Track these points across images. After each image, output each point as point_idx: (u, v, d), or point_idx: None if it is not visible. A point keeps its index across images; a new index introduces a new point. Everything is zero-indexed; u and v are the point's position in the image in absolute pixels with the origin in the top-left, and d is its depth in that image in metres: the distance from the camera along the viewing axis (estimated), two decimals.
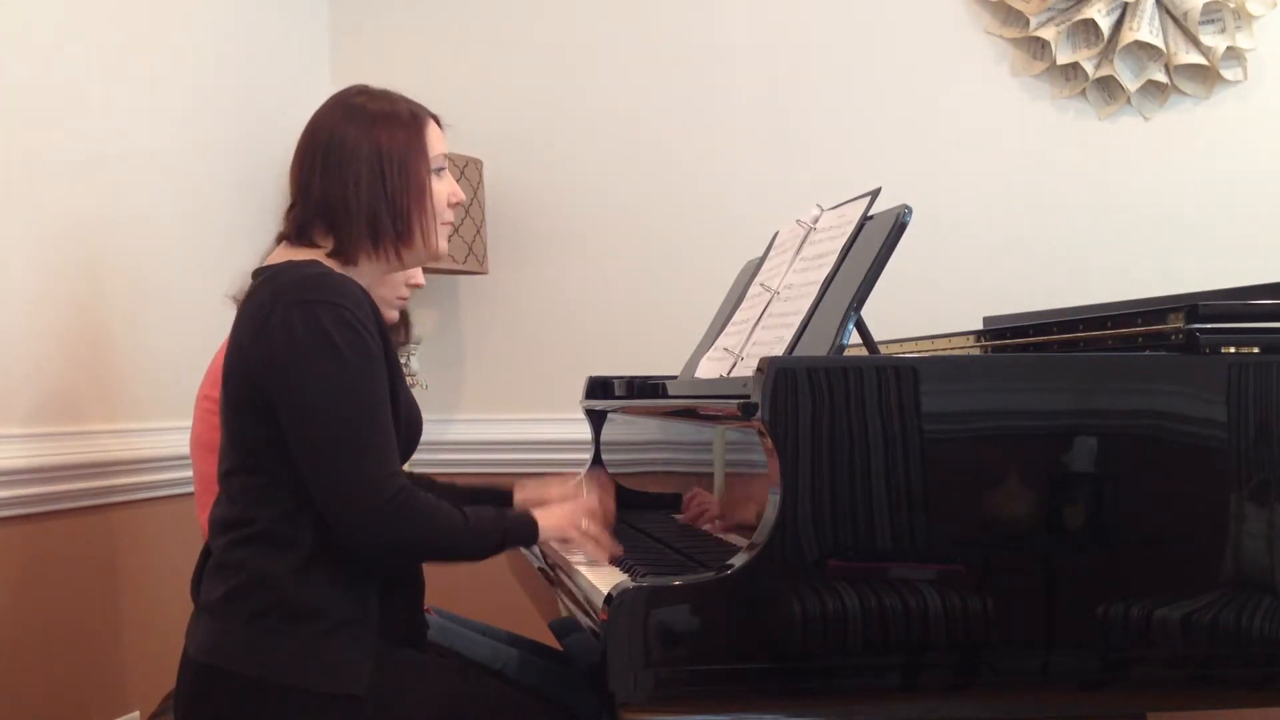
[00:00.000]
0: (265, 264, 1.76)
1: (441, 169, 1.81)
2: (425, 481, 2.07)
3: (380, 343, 1.66)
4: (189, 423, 2.19)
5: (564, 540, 1.87)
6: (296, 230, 1.75)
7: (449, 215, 1.82)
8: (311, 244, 1.75)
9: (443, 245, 1.82)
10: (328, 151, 1.73)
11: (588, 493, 2.09)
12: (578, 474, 2.31)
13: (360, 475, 1.59)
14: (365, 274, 1.76)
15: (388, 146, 1.74)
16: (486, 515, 1.74)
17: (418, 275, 2.11)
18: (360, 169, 1.72)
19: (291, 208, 1.77)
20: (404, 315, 2.22)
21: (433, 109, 1.84)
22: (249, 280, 1.77)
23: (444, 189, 1.81)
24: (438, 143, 1.81)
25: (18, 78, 2.33)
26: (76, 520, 2.46)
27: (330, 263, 1.72)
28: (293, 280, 1.65)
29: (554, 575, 1.92)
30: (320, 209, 1.73)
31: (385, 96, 1.80)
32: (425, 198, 1.77)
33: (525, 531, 1.77)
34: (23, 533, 2.32)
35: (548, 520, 1.80)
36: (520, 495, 2.11)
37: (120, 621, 2.59)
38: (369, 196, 1.72)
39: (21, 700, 2.32)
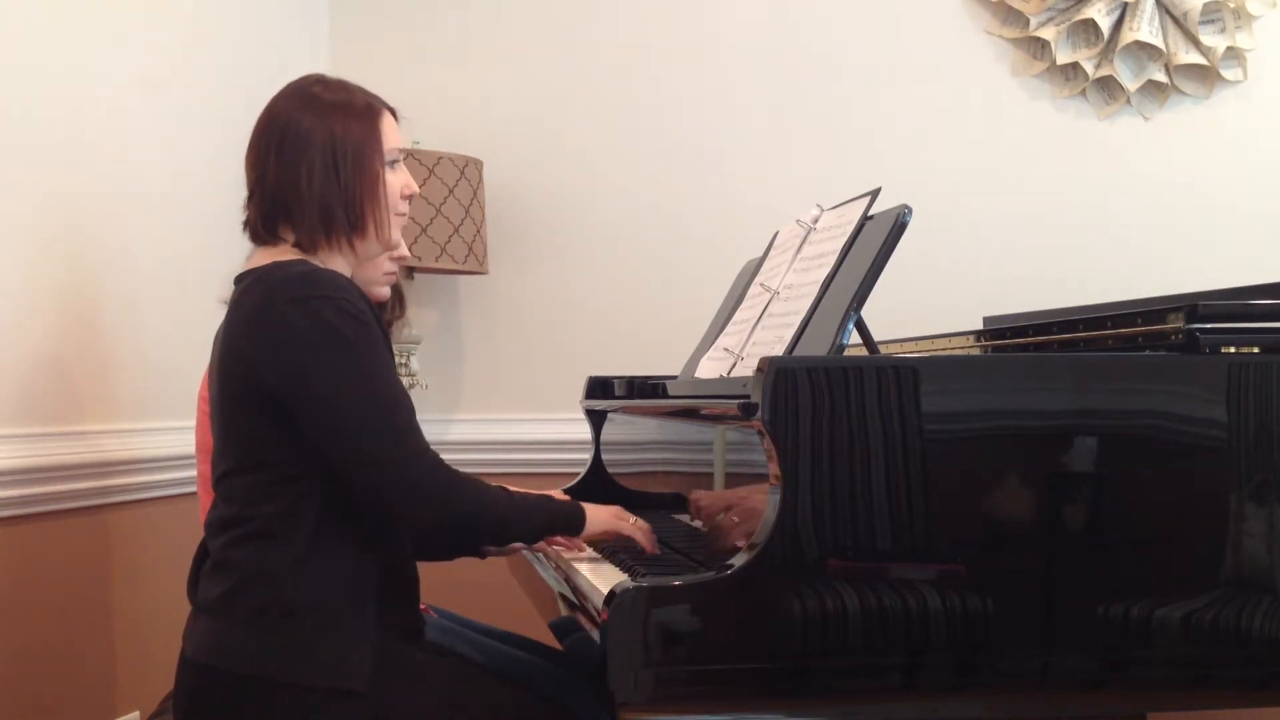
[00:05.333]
0: (247, 268, 1.76)
1: (396, 161, 1.82)
2: None
3: (380, 331, 1.69)
4: (187, 422, 2.19)
5: (610, 534, 1.89)
6: (262, 223, 1.76)
7: (403, 207, 1.84)
8: (279, 239, 1.76)
9: (395, 236, 1.83)
10: (282, 140, 1.74)
11: None
12: None
13: (396, 455, 1.62)
14: (332, 265, 1.77)
15: (342, 136, 1.74)
16: (531, 496, 1.77)
17: (401, 247, 2.11)
18: (314, 158, 1.73)
19: (250, 197, 1.78)
20: (397, 290, 2.21)
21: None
22: (231, 284, 1.78)
23: (398, 181, 1.82)
24: (393, 135, 1.82)
25: (14, 76, 2.33)
26: (73, 521, 2.45)
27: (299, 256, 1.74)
28: (284, 279, 1.66)
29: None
30: (275, 198, 1.74)
31: (342, 86, 1.80)
32: (378, 189, 1.77)
33: (573, 518, 1.80)
34: (19, 533, 2.32)
35: (596, 514, 1.83)
36: None
37: (119, 621, 2.59)
38: (322, 186, 1.73)
39: (21, 701, 2.32)
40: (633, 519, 1.89)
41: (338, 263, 1.78)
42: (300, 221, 1.74)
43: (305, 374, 1.62)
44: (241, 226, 1.81)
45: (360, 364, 1.62)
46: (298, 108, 1.76)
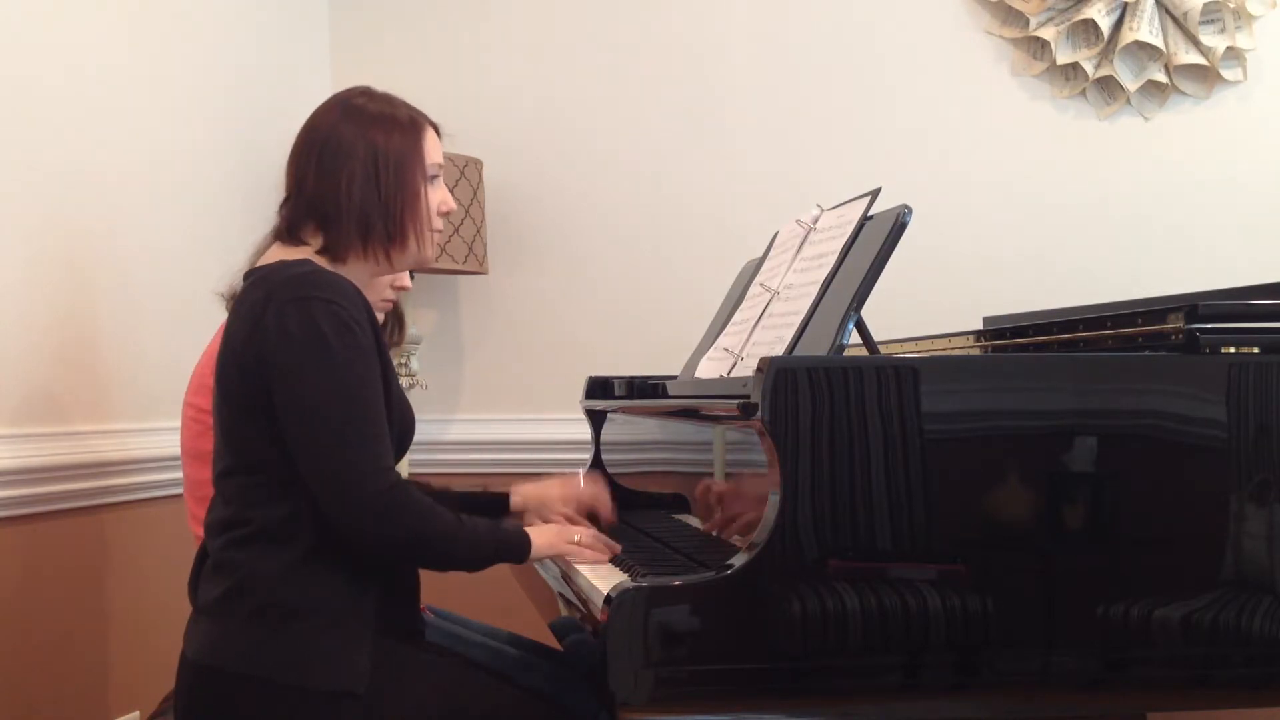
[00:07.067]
0: (257, 265, 1.76)
1: (436, 176, 1.81)
2: (422, 486, 2.06)
3: (374, 339, 1.67)
4: (180, 424, 2.19)
5: (558, 556, 1.88)
6: (288, 226, 1.76)
7: (439, 223, 1.83)
8: (301, 242, 1.75)
9: (431, 252, 1.82)
10: (324, 149, 1.74)
11: (585, 488, 2.11)
12: (576, 472, 2.31)
13: (351, 469, 1.60)
14: (354, 274, 1.76)
15: (384, 149, 1.74)
16: (481, 525, 1.73)
17: (404, 278, 2.11)
18: (355, 168, 1.73)
19: (285, 201, 1.78)
20: (397, 314, 2.22)
21: (433, 109, 1.84)
22: (240, 280, 1.78)
23: (436, 197, 1.81)
24: (434, 150, 1.82)
25: (10, 78, 2.33)
26: (69, 522, 2.45)
27: (320, 260, 1.73)
28: (286, 278, 1.66)
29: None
30: (312, 205, 1.74)
31: (386, 99, 1.81)
32: (419, 202, 1.77)
33: (518, 547, 1.77)
34: (16, 534, 2.32)
35: (540, 539, 1.80)
36: (518, 497, 2.11)
37: (117, 622, 2.59)
38: (361, 197, 1.72)
39: (20, 702, 2.31)
40: (577, 535, 1.86)
41: (363, 271, 1.77)
42: (335, 229, 1.73)
43: (283, 374, 1.62)
44: (272, 232, 1.81)
45: (336, 373, 1.61)
46: (341, 118, 1.75)
